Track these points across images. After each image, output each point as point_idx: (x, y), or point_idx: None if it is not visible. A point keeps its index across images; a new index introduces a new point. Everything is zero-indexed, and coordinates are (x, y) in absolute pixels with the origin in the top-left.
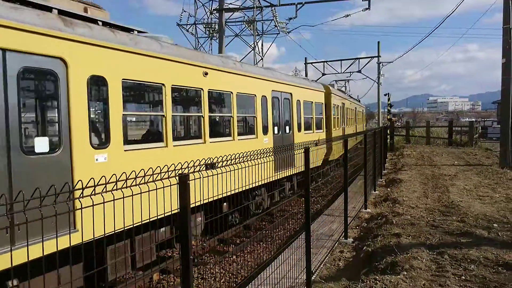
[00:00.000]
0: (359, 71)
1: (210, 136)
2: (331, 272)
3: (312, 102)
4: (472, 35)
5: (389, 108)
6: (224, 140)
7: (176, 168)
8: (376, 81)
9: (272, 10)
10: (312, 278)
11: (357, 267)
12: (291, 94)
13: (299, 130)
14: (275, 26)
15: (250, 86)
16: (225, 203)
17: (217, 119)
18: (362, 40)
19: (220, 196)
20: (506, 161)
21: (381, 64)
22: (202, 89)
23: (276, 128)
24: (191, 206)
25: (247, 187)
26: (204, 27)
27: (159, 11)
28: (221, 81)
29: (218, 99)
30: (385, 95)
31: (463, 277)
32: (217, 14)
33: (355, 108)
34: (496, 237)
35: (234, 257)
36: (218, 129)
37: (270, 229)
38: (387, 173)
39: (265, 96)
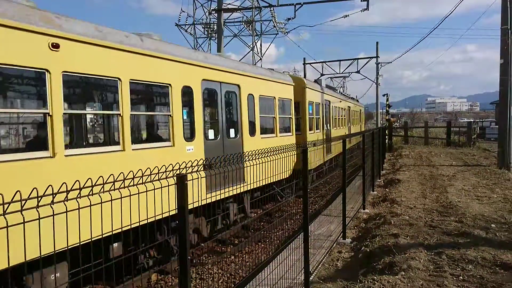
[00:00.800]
0: (358, 72)
1: (70, 146)
2: (329, 273)
3: (275, 97)
4: (471, 36)
5: (387, 108)
6: (103, 151)
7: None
8: (375, 81)
9: (271, 10)
10: (310, 278)
11: (355, 268)
12: (238, 86)
13: (253, 133)
14: (274, 26)
15: (160, 71)
16: (115, 244)
17: (86, 120)
18: (361, 40)
19: (105, 235)
20: (504, 161)
21: (379, 65)
22: (47, 70)
23: (211, 131)
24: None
25: (151, 219)
26: (202, 28)
27: (158, 11)
28: (93, 60)
29: (88, 88)
30: (383, 95)
31: (461, 277)
32: (216, 15)
33: (349, 107)
34: (494, 237)
35: (233, 257)
36: (91, 135)
37: (268, 229)
38: (385, 174)
39: (190, 87)
